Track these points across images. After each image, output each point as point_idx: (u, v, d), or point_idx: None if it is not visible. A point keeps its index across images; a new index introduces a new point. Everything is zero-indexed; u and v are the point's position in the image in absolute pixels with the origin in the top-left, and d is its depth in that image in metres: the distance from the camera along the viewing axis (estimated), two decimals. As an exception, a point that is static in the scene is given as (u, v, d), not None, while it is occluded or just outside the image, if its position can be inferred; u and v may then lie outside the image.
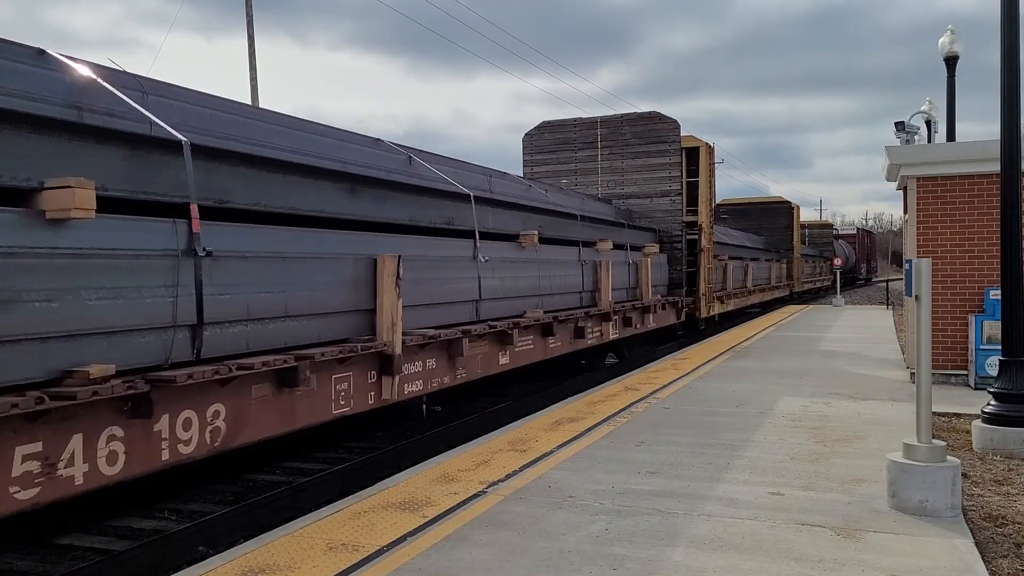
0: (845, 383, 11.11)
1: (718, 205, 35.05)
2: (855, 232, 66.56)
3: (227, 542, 6.15)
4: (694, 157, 18.87)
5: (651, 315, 15.72)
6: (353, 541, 4.95)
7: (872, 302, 37.72)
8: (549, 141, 18.40)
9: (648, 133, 17.70)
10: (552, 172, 18.17)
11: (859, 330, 19.90)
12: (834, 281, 50.17)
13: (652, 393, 10.35)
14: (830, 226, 57.08)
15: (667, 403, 9.66)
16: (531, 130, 18.77)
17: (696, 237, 18.47)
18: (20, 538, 6.24)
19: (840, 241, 57.67)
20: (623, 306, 14.10)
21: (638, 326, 15.21)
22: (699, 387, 10.91)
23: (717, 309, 20.54)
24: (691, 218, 18.45)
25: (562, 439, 7.69)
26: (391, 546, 4.86)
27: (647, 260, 15.53)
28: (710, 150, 19.31)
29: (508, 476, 6.39)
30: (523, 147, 18.69)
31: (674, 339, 19.50)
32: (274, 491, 7.46)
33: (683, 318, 18.13)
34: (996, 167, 8.45)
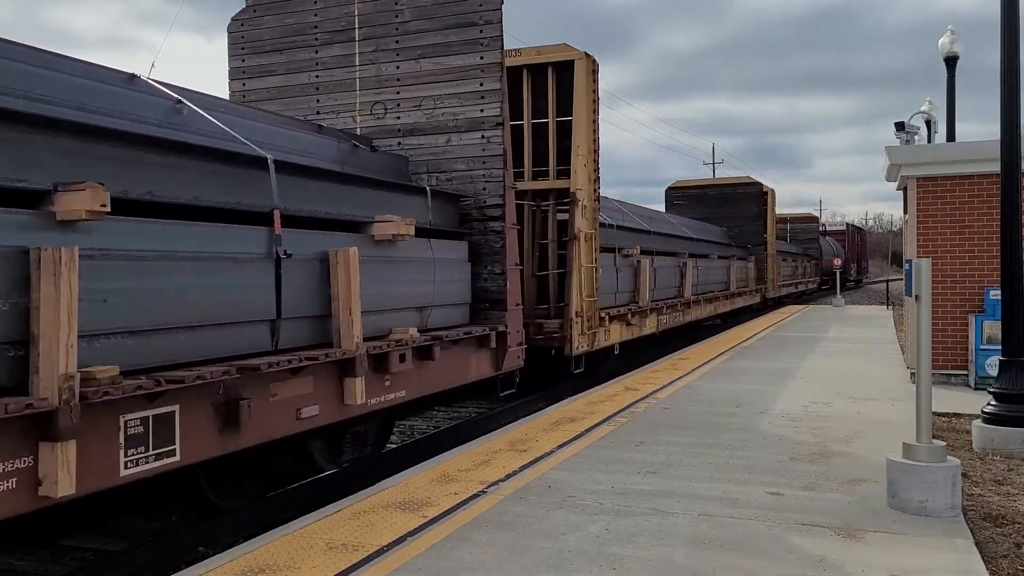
0: (845, 383, 11.11)
1: (670, 188, 28.81)
2: (844, 228, 60.55)
3: (227, 542, 6.15)
4: (566, 79, 12.00)
5: (359, 380, 6.64)
6: (353, 541, 4.95)
7: (869, 305, 37.63)
8: (274, 32, 9.88)
9: (442, 9, 9.35)
10: (276, 89, 9.88)
11: (859, 330, 19.90)
12: (831, 282, 45.81)
13: (652, 393, 10.35)
14: (815, 220, 48.54)
15: (667, 403, 9.66)
16: (240, 12, 10.09)
17: (568, 216, 11.69)
18: (20, 538, 6.24)
19: (827, 238, 52.25)
20: (220, 372, 5.26)
21: (307, 414, 6.29)
22: (699, 387, 10.91)
23: (615, 336, 13.25)
24: (562, 183, 11.92)
25: (562, 439, 7.69)
26: (391, 546, 4.86)
27: (346, 254, 6.61)
28: (593, 69, 12.16)
29: (508, 476, 6.39)
30: (228, 43, 10.09)
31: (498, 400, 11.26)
32: (274, 491, 7.45)
33: (514, 363, 9.53)
34: (996, 167, 8.46)
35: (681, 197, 28.16)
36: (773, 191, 30.48)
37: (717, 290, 22.01)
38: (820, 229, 50.69)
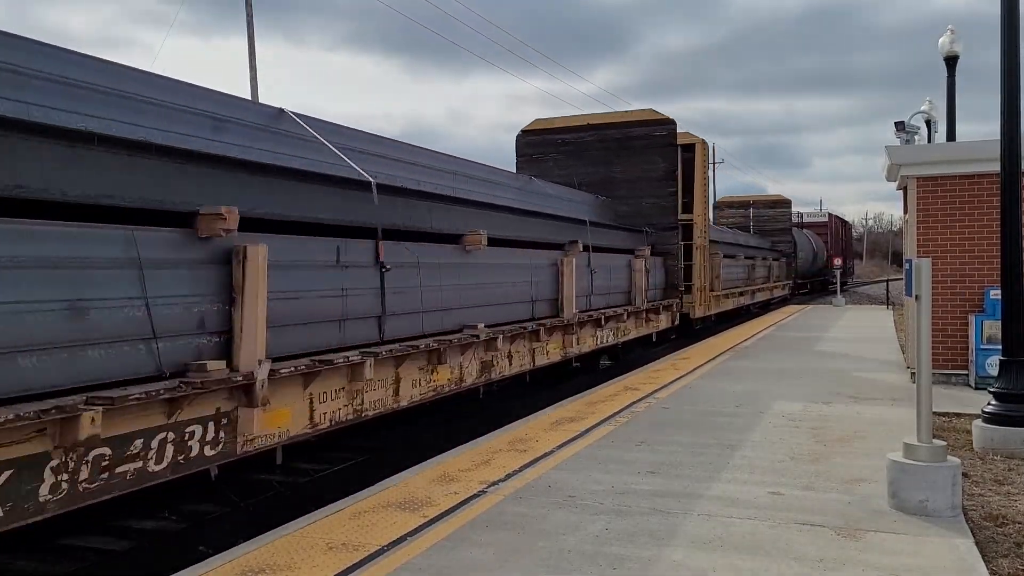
0: (845, 383, 11.10)
1: (523, 131, 17.24)
2: (826, 220, 50.09)
3: (227, 542, 6.14)
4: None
5: None
6: (353, 541, 4.95)
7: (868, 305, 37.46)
8: None
9: None
10: None
11: (859, 330, 19.89)
12: (810, 286, 40.43)
13: (652, 393, 10.35)
14: (787, 205, 36.70)
15: (667, 403, 9.66)
16: None
17: None
18: (20, 538, 6.23)
19: (805, 231, 42.82)
20: None
21: None
22: (699, 387, 10.90)
23: None
24: None
25: (562, 439, 7.69)
26: (391, 546, 4.86)
27: None
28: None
29: (508, 476, 6.39)
30: None
31: None
32: (274, 491, 7.46)
33: None
34: (996, 167, 8.45)
35: (540, 146, 16.91)
36: (704, 143, 18.85)
37: (510, 322, 9.98)
38: (797, 220, 42.55)
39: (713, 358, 14.12)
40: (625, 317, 13.87)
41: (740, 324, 22.24)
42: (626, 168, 16.40)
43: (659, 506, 5.61)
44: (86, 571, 5.57)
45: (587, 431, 8.05)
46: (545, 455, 7.07)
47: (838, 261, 38.19)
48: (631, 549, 4.79)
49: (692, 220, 18.08)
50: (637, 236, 15.45)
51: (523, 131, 17.22)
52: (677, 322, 17.09)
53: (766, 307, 29.89)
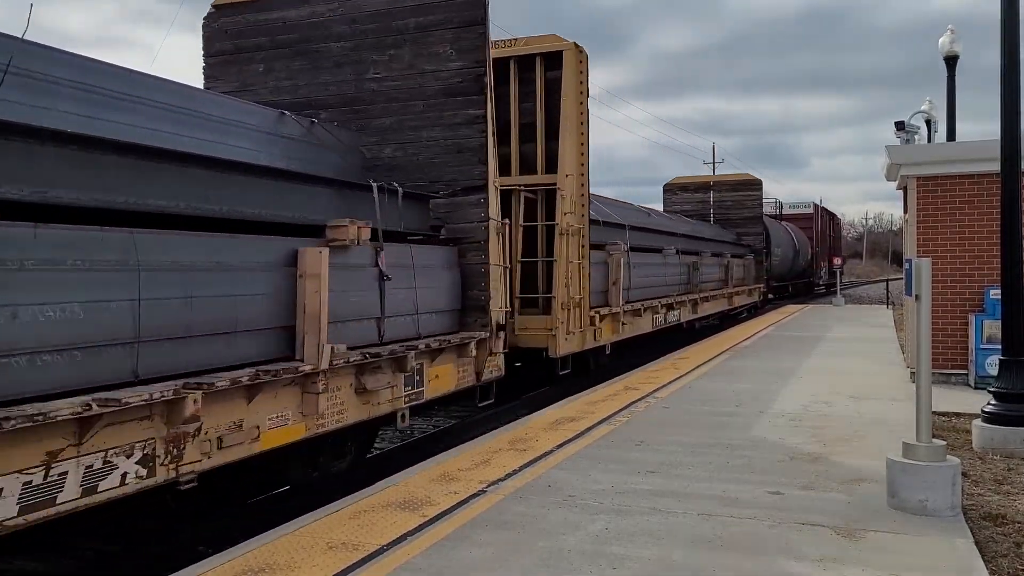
0: (845, 382, 11.10)
1: (216, 6, 9.43)
2: (811, 212, 41.77)
3: (227, 542, 6.14)
4: None
5: None
6: (353, 540, 4.95)
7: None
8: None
9: None
10: None
11: (858, 329, 19.88)
12: (792, 288, 35.74)
13: (652, 392, 10.35)
14: (757, 186, 27.99)
15: (667, 402, 9.66)
16: None
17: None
18: (20, 538, 6.24)
19: (784, 224, 35.37)
20: None
21: None
22: (699, 386, 10.90)
23: None
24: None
25: (562, 438, 7.69)
26: (391, 545, 4.86)
27: None
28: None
29: (508, 475, 6.39)
30: None
31: None
32: (274, 491, 7.46)
33: None
34: (996, 167, 8.45)
35: (243, 37, 9.48)
36: (580, 50, 11.50)
37: None
38: (776, 210, 36.45)
39: (713, 357, 14.12)
40: (233, 398, 5.54)
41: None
42: (391, 73, 9.05)
43: (659, 506, 5.61)
44: (86, 571, 5.56)
45: (587, 431, 8.05)
46: (545, 454, 7.07)
47: (837, 260, 37.61)
48: (631, 549, 4.79)
49: (555, 185, 11.15)
50: (346, 199, 7.27)
51: (214, 6, 9.66)
52: (501, 372, 9.30)
53: (731, 319, 22.98)
